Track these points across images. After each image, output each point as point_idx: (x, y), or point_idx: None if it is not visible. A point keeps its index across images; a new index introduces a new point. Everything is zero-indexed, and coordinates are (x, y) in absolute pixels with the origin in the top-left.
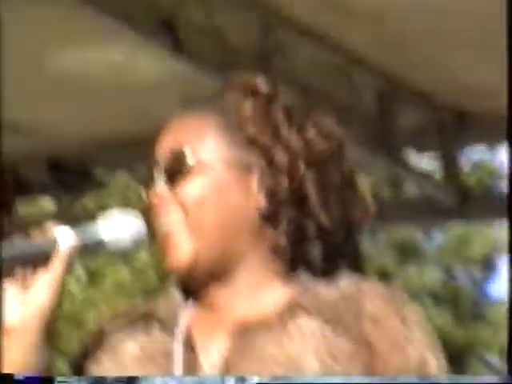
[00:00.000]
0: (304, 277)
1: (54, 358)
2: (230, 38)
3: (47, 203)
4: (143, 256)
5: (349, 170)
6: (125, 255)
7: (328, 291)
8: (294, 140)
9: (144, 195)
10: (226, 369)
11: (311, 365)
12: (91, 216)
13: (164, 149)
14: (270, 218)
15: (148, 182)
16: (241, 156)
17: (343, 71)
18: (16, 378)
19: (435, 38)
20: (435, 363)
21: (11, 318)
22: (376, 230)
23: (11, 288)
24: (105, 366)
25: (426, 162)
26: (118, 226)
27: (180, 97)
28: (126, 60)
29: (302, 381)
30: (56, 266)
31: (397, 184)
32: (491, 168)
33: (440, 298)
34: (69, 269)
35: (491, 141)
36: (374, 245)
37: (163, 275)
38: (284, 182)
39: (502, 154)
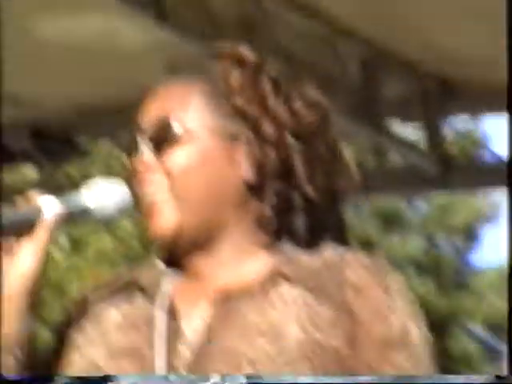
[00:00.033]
0: (287, 246)
1: (37, 327)
2: (215, 6)
3: (30, 171)
4: (126, 224)
5: (334, 140)
6: (109, 223)
7: (311, 260)
8: (281, 111)
9: (128, 163)
10: (208, 336)
11: (293, 332)
12: (74, 184)
13: (149, 116)
14: (255, 188)
15: (132, 150)
16: (227, 126)
17: (328, 41)
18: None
19: (420, 7)
20: (417, 332)
21: None
22: (360, 199)
23: None
24: (88, 334)
25: (409, 131)
26: (102, 194)
27: (164, 65)
28: (110, 28)
29: (285, 381)
30: (40, 235)
31: (380, 153)
32: (474, 138)
33: (423, 267)
34: (53, 237)
35: (475, 111)
36: (358, 214)
37: (146, 243)
38: (271, 153)
39: (485, 123)
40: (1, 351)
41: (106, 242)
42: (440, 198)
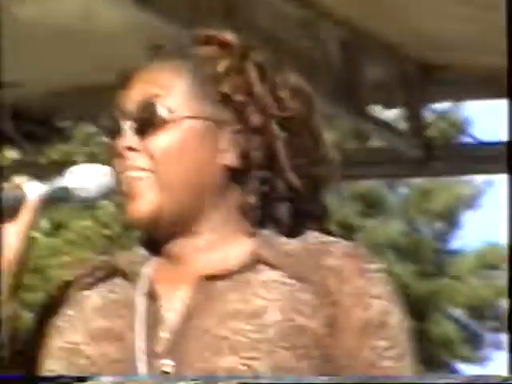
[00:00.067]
0: (269, 232)
1: (19, 310)
2: None
3: (11, 153)
4: (107, 207)
5: (317, 128)
6: (91, 206)
7: (292, 246)
8: (266, 98)
9: (109, 146)
10: (188, 320)
11: (273, 316)
12: (56, 167)
13: (133, 99)
14: (239, 176)
15: (114, 132)
16: (212, 112)
17: (308, 23)
18: None
19: None
20: (397, 318)
21: None
22: (341, 186)
23: None
24: (70, 319)
25: (390, 114)
26: (85, 178)
27: (146, 47)
28: (89, 9)
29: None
30: (24, 218)
31: (362, 137)
32: (455, 122)
33: (403, 251)
34: (36, 221)
35: (456, 95)
36: (339, 198)
37: (127, 227)
38: (255, 141)
39: (466, 108)
40: None
41: (87, 224)
42: (420, 181)
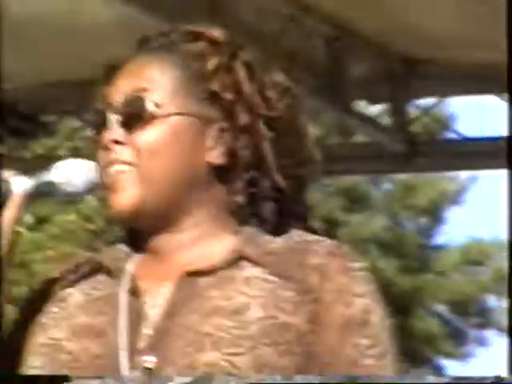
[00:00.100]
0: (253, 230)
1: (4, 305)
2: None
3: None
4: (91, 201)
5: (303, 129)
6: (76, 201)
7: (276, 244)
8: (255, 98)
9: (94, 139)
10: (171, 316)
11: (255, 313)
12: (41, 161)
13: (119, 93)
14: (225, 174)
15: (99, 126)
16: (200, 109)
17: (293, 18)
18: None
19: None
20: (379, 316)
21: None
22: (324, 178)
23: None
24: (53, 315)
25: (375, 109)
26: (70, 172)
27: (129, 41)
28: (75, 3)
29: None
30: (9, 213)
31: (346, 132)
32: (440, 117)
33: (387, 246)
34: (22, 215)
35: (441, 91)
36: (322, 193)
37: (111, 221)
38: (242, 140)
39: (451, 104)
40: None
41: (70, 218)
42: (404, 177)
